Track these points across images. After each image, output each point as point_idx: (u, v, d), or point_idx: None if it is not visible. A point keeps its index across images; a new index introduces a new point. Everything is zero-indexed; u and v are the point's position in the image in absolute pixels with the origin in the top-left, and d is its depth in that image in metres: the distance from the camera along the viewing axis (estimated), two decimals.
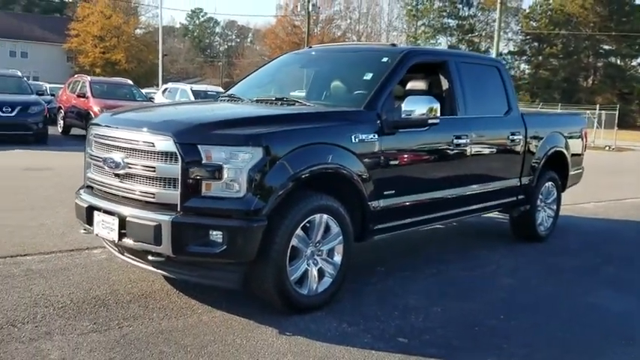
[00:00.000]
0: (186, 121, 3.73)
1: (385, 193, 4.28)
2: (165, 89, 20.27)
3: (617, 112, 29.52)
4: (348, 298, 4.10)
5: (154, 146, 3.53)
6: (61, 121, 17.10)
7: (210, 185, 3.47)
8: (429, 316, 3.91)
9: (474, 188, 5.21)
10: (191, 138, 3.49)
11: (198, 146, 3.45)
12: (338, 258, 3.99)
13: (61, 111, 17.16)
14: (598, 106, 31.38)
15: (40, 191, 7.55)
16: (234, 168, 3.45)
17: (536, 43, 58.18)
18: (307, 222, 3.75)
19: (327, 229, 3.91)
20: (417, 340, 3.53)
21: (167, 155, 3.49)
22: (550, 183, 6.39)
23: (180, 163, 3.44)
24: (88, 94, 15.52)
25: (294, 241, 3.68)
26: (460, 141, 4.89)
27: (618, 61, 57.56)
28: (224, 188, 3.46)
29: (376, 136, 4.17)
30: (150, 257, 3.61)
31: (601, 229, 7.26)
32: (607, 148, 25.55)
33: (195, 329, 3.49)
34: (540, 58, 56.82)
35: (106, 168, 3.78)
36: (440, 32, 59.86)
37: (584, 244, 6.34)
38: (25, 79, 16.77)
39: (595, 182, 10.28)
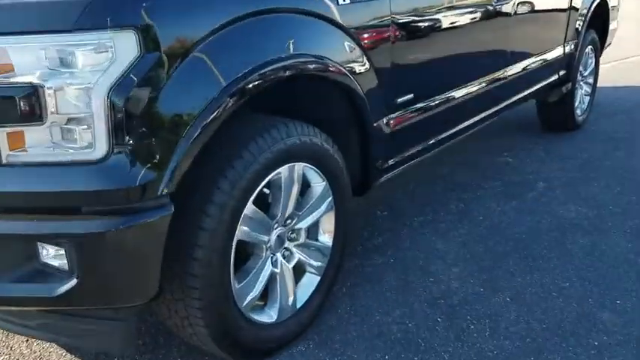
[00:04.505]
0: None
1: (399, 100, 2.30)
2: None
3: None
4: (345, 289, 2.28)
5: None
6: None
7: (19, 137, 1.42)
8: (495, 325, 2.15)
9: (518, 68, 3.28)
10: None
11: None
12: (327, 237, 2.09)
13: None
14: None
15: None
16: (74, 89, 1.39)
17: None
18: (265, 185, 1.78)
19: (305, 188, 1.98)
20: None
21: None
22: (590, 47, 4.53)
23: None
24: None
25: (241, 231, 1.73)
26: None
27: None
28: (56, 141, 1.42)
29: None
30: None
31: (630, 103, 5.58)
32: None
33: None
34: None
35: None
36: None
37: (625, 127, 4.64)
38: None
39: None
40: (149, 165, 1.46)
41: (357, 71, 2.03)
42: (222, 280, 1.69)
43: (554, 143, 4.26)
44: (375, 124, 2.17)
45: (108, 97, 1.40)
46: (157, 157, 1.47)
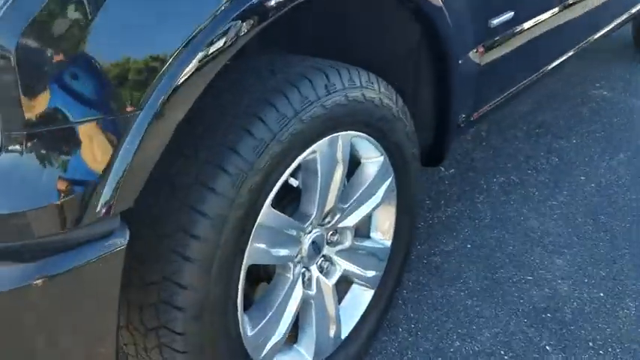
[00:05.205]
0: None
1: (495, 21, 1.53)
2: None
3: None
4: (407, 291, 1.64)
5: None
6: None
7: None
8: None
9: None
10: None
11: None
12: (384, 234, 1.42)
13: None
14: None
15: None
16: None
17: None
18: (293, 172, 1.10)
19: (353, 168, 1.29)
20: None
21: None
22: None
23: None
24: None
25: (254, 251, 1.07)
26: None
27: None
28: None
29: None
30: None
31: None
32: None
33: None
34: None
35: None
36: None
37: None
38: None
39: None
40: (78, 164, 0.80)
41: None
42: (225, 331, 1.06)
43: None
44: (460, 60, 1.43)
45: None
46: (93, 147, 0.81)
